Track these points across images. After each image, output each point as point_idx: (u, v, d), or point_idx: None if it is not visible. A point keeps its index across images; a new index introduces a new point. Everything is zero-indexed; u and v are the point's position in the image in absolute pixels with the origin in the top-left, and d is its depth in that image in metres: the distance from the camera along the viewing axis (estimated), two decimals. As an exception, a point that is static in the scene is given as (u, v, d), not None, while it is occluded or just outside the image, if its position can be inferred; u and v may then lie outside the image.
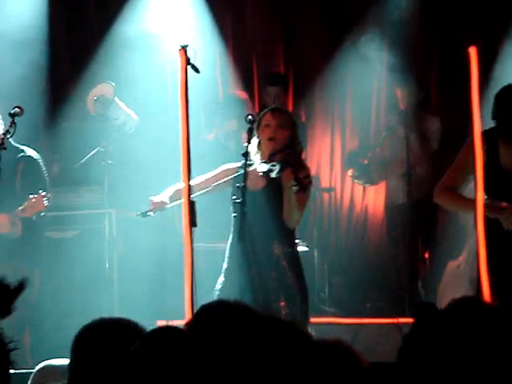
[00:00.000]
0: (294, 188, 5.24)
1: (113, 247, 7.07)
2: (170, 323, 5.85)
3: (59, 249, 7.05)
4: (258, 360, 1.55)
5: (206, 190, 5.54)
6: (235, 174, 5.49)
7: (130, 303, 6.80)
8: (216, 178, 5.59)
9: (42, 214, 5.90)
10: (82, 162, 7.19)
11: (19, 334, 5.78)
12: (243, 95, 8.04)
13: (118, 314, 6.73)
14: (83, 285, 6.92)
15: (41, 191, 5.80)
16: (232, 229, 5.53)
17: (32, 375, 3.60)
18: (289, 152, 5.41)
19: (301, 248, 6.93)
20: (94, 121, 7.55)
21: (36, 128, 6.27)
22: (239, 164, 5.57)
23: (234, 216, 5.44)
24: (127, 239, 7.25)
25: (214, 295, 5.43)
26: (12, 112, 5.68)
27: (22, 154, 5.97)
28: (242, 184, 5.25)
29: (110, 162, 7.15)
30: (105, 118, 7.48)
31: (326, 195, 8.52)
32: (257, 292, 5.29)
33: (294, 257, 5.51)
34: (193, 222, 5.04)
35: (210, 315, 2.97)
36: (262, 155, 5.50)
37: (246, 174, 5.30)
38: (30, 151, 6.03)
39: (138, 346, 2.46)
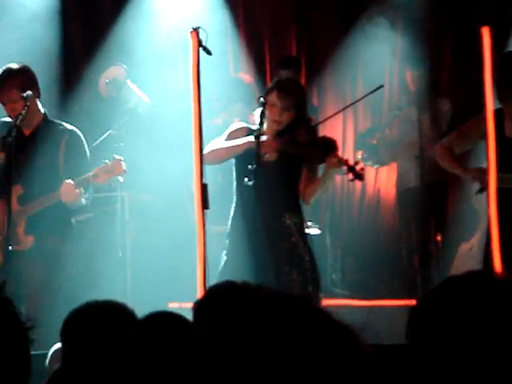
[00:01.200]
0: (348, 176, 5.19)
1: (125, 230, 7.09)
2: (183, 305, 5.87)
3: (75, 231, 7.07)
4: (266, 344, 1.55)
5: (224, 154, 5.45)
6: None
7: (142, 285, 6.82)
8: (235, 136, 5.48)
9: (121, 178, 5.75)
10: (94, 144, 7.19)
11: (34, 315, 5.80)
12: (247, 78, 8.02)
13: (130, 296, 6.76)
14: (96, 267, 6.94)
15: (116, 156, 5.70)
16: (236, 200, 5.45)
17: (48, 356, 3.62)
18: (306, 130, 5.36)
19: (313, 230, 6.94)
20: (106, 103, 7.55)
21: (48, 111, 6.25)
22: (246, 125, 5.52)
23: (239, 184, 5.36)
24: (140, 222, 7.26)
25: (220, 270, 5.38)
26: (24, 95, 5.68)
27: (63, 128, 5.89)
28: (254, 166, 5.22)
29: (122, 144, 7.15)
30: (117, 101, 7.48)
31: (338, 178, 8.50)
32: (268, 264, 5.26)
33: (304, 229, 5.49)
34: (205, 205, 5.05)
35: (216, 297, 2.98)
36: (267, 127, 5.42)
37: (258, 156, 5.27)
38: (71, 126, 5.95)
39: (133, 331, 2.46)
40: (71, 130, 5.86)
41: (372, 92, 6.08)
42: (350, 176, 5.20)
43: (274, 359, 1.52)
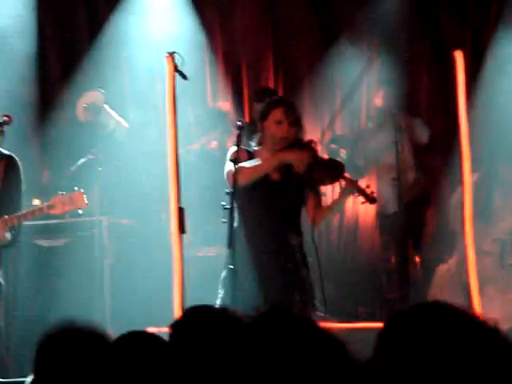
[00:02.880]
0: (359, 199, 5.17)
1: (104, 254, 7.06)
2: (161, 330, 5.84)
3: (50, 257, 7.04)
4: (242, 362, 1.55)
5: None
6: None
7: (121, 310, 6.79)
8: (242, 159, 5.34)
9: (81, 212, 5.54)
10: (72, 169, 7.19)
11: (4, 344, 5.74)
12: (226, 106, 8.03)
13: (109, 320, 6.73)
14: (74, 292, 6.90)
15: (76, 188, 5.48)
16: (238, 220, 5.27)
17: None
18: (309, 149, 5.31)
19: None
20: (84, 128, 7.55)
21: (25, 136, 6.24)
22: (243, 147, 5.37)
23: (242, 206, 5.26)
24: (119, 246, 7.24)
25: (221, 286, 5.29)
26: (0, 121, 5.65)
27: (2, 153, 5.71)
28: (231, 190, 5.17)
29: (100, 169, 7.15)
30: (94, 125, 7.48)
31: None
32: (270, 285, 5.20)
33: (304, 250, 5.45)
34: (182, 229, 5.04)
35: (193, 320, 2.98)
36: (265, 148, 5.35)
37: (264, 177, 5.22)
38: (8, 152, 5.75)
39: (108, 350, 2.45)
40: (9, 156, 5.62)
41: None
42: (362, 199, 5.17)
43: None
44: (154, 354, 2.45)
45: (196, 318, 3.02)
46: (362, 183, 5.31)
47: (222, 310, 3.04)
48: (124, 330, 2.91)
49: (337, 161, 5.46)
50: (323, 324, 1.75)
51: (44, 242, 7.17)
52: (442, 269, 7.54)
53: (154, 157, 7.02)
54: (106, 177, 7.17)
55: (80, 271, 6.97)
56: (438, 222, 7.74)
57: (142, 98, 7.91)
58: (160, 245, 6.96)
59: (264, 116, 5.32)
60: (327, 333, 1.61)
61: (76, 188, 5.54)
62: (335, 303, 8.09)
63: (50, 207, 5.48)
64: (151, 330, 6.34)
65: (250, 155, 5.33)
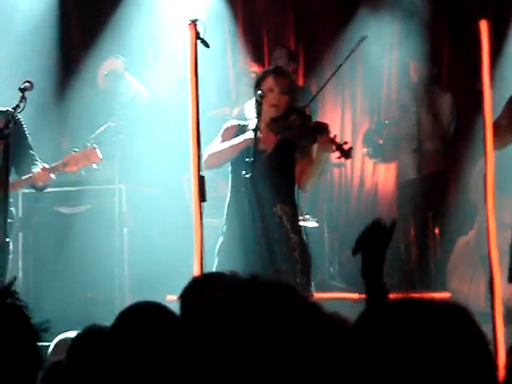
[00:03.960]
0: (335, 154, 5.19)
1: (123, 222, 7.09)
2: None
3: (70, 224, 7.08)
4: (249, 333, 1.55)
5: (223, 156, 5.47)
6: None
7: (140, 278, 6.83)
8: (224, 139, 5.52)
9: (95, 167, 5.75)
10: (92, 136, 7.19)
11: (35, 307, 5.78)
12: (255, 67, 8.02)
13: (128, 287, 6.77)
14: (94, 259, 6.94)
15: (89, 145, 5.69)
16: (231, 191, 5.46)
17: (50, 348, 3.63)
18: (300, 115, 5.39)
19: (311, 223, 6.94)
20: (104, 95, 7.55)
21: (46, 103, 6.26)
22: (237, 122, 5.53)
23: (235, 175, 5.37)
24: (138, 214, 7.27)
25: (216, 257, 5.39)
26: (22, 87, 5.64)
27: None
28: (252, 159, 5.22)
29: (120, 136, 7.15)
30: (115, 93, 7.48)
31: (336, 171, 8.51)
32: (260, 253, 5.26)
33: (297, 220, 5.49)
34: (202, 197, 5.04)
35: (201, 287, 2.98)
36: (262, 117, 5.43)
37: (255, 149, 5.28)
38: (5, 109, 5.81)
39: (115, 322, 2.45)
40: (5, 111, 5.67)
41: (358, 44, 6.01)
42: (337, 154, 5.21)
43: (260, 352, 1.52)
44: (160, 326, 2.45)
45: (205, 284, 3.02)
46: (341, 140, 5.35)
47: (232, 276, 3.03)
48: (143, 297, 2.92)
49: (322, 123, 5.50)
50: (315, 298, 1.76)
51: (65, 209, 7.20)
52: (461, 241, 7.52)
53: (175, 124, 7.02)
54: (126, 144, 7.17)
55: (100, 238, 7.00)
56: (459, 193, 7.71)
57: (163, 65, 7.89)
58: (180, 212, 6.98)
59: (257, 84, 5.44)
60: (305, 301, 1.60)
61: (88, 144, 5.67)
62: (355, 275, 8.10)
63: (64, 165, 5.66)
64: (170, 297, 6.39)
65: (242, 130, 5.38)
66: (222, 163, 5.48)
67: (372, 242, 2.76)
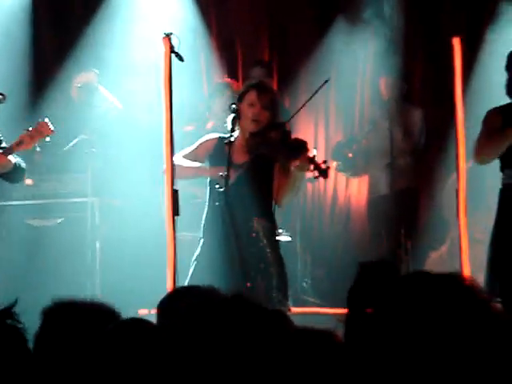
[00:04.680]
0: (314, 173, 5.18)
1: (96, 236, 7.05)
2: (152, 312, 5.84)
3: (41, 237, 7.03)
4: (229, 346, 1.55)
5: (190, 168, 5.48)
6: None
7: (112, 292, 6.78)
8: (197, 152, 5.52)
9: (48, 139, 5.83)
10: (65, 149, 7.17)
11: None
12: (229, 81, 8.03)
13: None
14: (66, 273, 6.90)
15: (40, 120, 5.78)
16: (208, 201, 5.45)
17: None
18: (280, 131, 5.38)
19: (284, 238, 6.94)
20: (78, 108, 7.52)
21: (18, 115, 6.22)
22: (218, 135, 5.52)
23: (212, 188, 5.36)
24: (110, 227, 7.23)
25: (191, 268, 5.38)
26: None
27: None
28: (225, 173, 5.21)
29: (93, 150, 7.13)
30: (88, 106, 7.45)
31: (309, 185, 8.53)
32: (235, 268, 5.25)
33: (274, 235, 5.48)
34: (175, 211, 5.04)
35: (179, 301, 2.97)
36: (240, 131, 5.43)
37: (229, 162, 5.26)
38: None
39: (103, 338, 2.43)
40: None
41: (320, 87, 6.03)
42: (316, 173, 5.20)
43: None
44: (143, 341, 2.44)
45: (183, 297, 3.01)
46: (319, 159, 5.35)
47: (209, 290, 3.02)
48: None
49: (300, 140, 5.51)
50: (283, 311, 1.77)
51: (36, 222, 7.16)
52: (433, 256, 7.55)
53: (149, 138, 7.00)
54: (99, 157, 7.15)
55: (71, 252, 6.96)
56: (431, 209, 7.74)
57: (137, 79, 7.87)
58: (152, 227, 6.95)
59: (240, 98, 5.43)
60: (282, 319, 1.62)
61: (40, 119, 5.75)
62: (327, 290, 8.11)
63: (19, 144, 5.70)
64: (142, 311, 6.36)
65: (222, 143, 5.36)
66: (180, 179, 5.44)
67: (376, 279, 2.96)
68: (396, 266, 3.03)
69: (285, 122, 5.62)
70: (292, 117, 6.15)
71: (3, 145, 5.82)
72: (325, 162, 5.25)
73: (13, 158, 5.69)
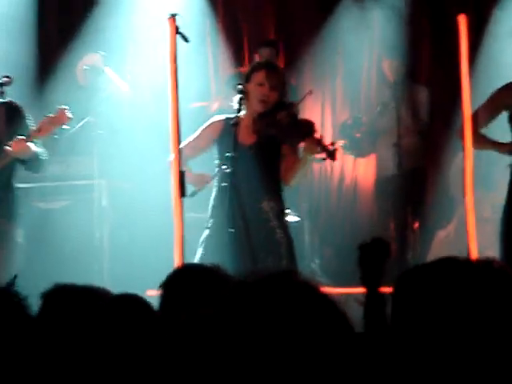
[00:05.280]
0: (322, 155, 5.18)
1: (103, 218, 7.06)
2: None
3: (48, 219, 7.04)
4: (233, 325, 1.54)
5: (197, 150, 5.47)
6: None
7: (119, 274, 6.80)
8: (201, 141, 5.51)
9: (66, 127, 5.85)
10: (71, 131, 7.16)
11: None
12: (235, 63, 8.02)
13: (108, 284, 6.74)
14: (73, 256, 6.91)
15: (58, 107, 5.77)
16: (217, 185, 5.44)
17: None
18: (287, 112, 5.36)
19: (292, 218, 6.94)
20: (84, 91, 7.52)
21: (25, 97, 6.21)
22: (225, 116, 5.49)
23: (219, 170, 5.35)
24: (118, 209, 7.24)
25: (199, 250, 5.37)
26: (1, 82, 5.65)
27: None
28: (232, 153, 5.20)
29: (100, 132, 7.13)
30: (94, 88, 7.44)
31: (316, 166, 8.51)
32: (245, 249, 5.26)
33: (283, 215, 5.47)
34: (182, 192, 5.04)
35: (184, 279, 2.97)
36: (247, 112, 5.43)
37: (237, 144, 5.25)
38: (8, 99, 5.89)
39: (97, 313, 2.43)
40: (8, 102, 5.79)
41: (302, 99, 6.00)
42: (324, 155, 5.20)
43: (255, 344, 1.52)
44: (139, 318, 2.43)
45: (187, 276, 3.01)
46: (327, 140, 5.34)
47: (213, 269, 3.02)
48: (122, 292, 2.90)
49: (309, 121, 5.49)
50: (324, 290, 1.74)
51: (43, 205, 7.17)
52: (440, 235, 7.55)
53: (155, 120, 7.00)
54: (105, 140, 7.15)
55: (79, 234, 6.97)
56: (438, 188, 7.73)
57: (143, 61, 7.86)
58: (160, 207, 6.96)
59: (247, 78, 5.40)
60: (329, 299, 1.61)
61: (59, 106, 5.73)
62: (334, 268, 8.11)
63: (38, 131, 5.67)
64: (150, 292, 6.36)
65: (228, 124, 5.35)
66: (190, 158, 5.45)
67: (371, 258, 3.08)
68: (387, 245, 3.17)
69: (293, 103, 5.58)
70: (302, 99, 6.08)
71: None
72: (333, 143, 5.24)
73: (34, 147, 5.68)
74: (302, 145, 5.30)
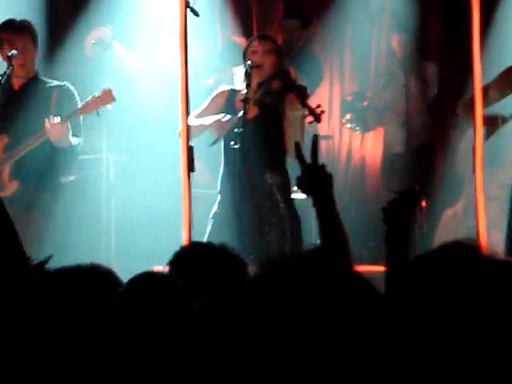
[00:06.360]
0: (307, 118, 5.21)
1: (111, 192, 7.06)
2: (167, 269, 5.85)
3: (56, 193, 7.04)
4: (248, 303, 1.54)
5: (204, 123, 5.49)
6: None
7: (127, 248, 6.81)
8: (213, 104, 5.54)
9: (109, 107, 5.92)
10: (78, 106, 7.14)
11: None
12: (242, 42, 7.97)
13: (115, 259, 6.75)
14: (80, 229, 6.92)
15: (105, 87, 5.90)
16: (224, 161, 5.47)
17: None
18: (282, 78, 5.41)
19: (299, 195, 6.93)
20: (92, 64, 7.49)
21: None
22: (229, 87, 5.54)
23: (227, 145, 5.38)
24: (125, 184, 7.23)
25: (209, 226, 5.41)
26: (9, 54, 5.64)
27: (54, 84, 5.92)
28: (240, 129, 5.21)
29: (108, 106, 7.10)
30: (103, 62, 7.42)
31: (323, 143, 8.49)
32: (251, 223, 5.28)
33: (288, 189, 5.48)
34: (191, 167, 5.04)
35: (191, 257, 2.97)
36: (250, 83, 5.43)
37: (245, 119, 5.26)
38: (63, 82, 6.01)
39: (121, 294, 2.43)
40: (62, 85, 5.85)
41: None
42: (310, 118, 5.23)
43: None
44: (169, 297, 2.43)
45: (194, 254, 3.01)
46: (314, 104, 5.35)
47: (222, 248, 3.02)
48: (130, 268, 2.90)
49: (300, 85, 5.52)
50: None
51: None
52: (448, 213, 7.53)
53: (164, 94, 6.98)
54: (114, 114, 7.13)
55: (87, 208, 6.97)
56: (446, 166, 7.71)
57: (152, 35, 7.83)
58: (168, 183, 6.96)
59: (245, 51, 5.51)
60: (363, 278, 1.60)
61: (105, 87, 5.86)
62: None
63: (83, 108, 5.83)
64: (157, 268, 6.37)
65: (233, 95, 5.39)
66: (196, 136, 5.48)
67: (398, 211, 2.83)
68: (416, 194, 2.94)
69: (288, 71, 5.63)
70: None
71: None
72: (318, 106, 5.28)
73: (71, 138, 5.72)
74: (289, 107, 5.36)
